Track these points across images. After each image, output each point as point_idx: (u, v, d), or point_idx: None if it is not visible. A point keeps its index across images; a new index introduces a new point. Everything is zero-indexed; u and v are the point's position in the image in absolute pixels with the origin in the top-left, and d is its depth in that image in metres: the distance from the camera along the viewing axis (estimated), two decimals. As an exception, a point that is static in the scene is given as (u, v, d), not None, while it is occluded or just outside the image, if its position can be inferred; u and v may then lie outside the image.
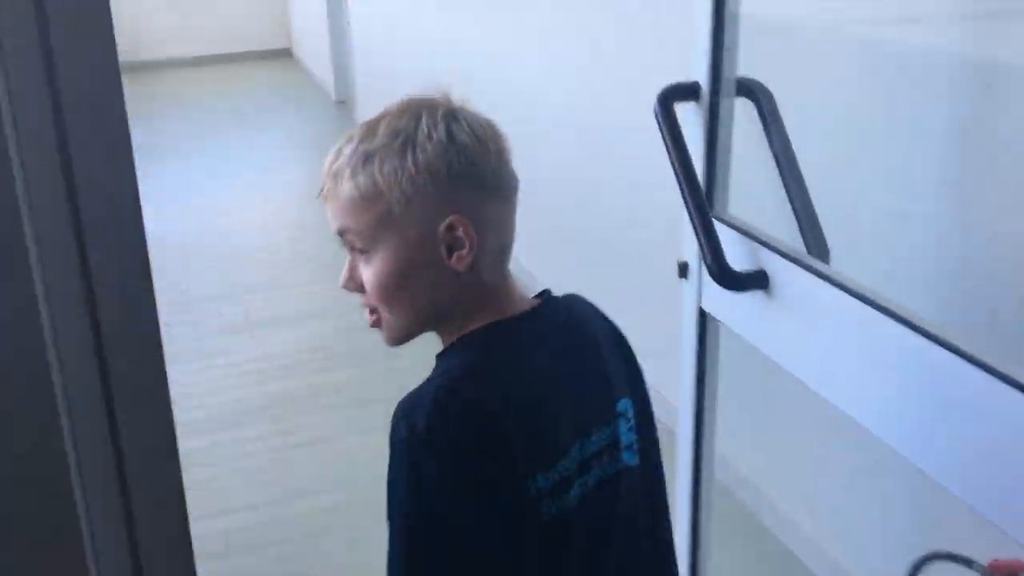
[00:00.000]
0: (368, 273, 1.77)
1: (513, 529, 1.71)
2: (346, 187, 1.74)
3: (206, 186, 9.26)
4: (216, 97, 12.59)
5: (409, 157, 1.71)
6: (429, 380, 1.71)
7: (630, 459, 1.86)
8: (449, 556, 1.70)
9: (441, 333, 1.81)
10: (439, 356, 1.77)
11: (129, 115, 1.04)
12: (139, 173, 1.09)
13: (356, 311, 1.87)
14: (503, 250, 1.80)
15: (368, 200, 1.74)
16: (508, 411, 1.71)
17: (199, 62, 14.65)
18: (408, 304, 1.78)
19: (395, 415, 1.69)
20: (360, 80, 11.11)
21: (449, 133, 1.73)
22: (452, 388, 1.69)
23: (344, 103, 12.06)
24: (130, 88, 10.22)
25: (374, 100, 7.65)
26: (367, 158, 1.74)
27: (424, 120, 1.73)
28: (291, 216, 8.42)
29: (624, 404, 1.87)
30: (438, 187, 1.70)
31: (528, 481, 1.70)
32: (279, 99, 12.43)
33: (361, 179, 1.74)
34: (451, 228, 1.70)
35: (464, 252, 1.73)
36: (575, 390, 1.80)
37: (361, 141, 1.74)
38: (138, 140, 1.13)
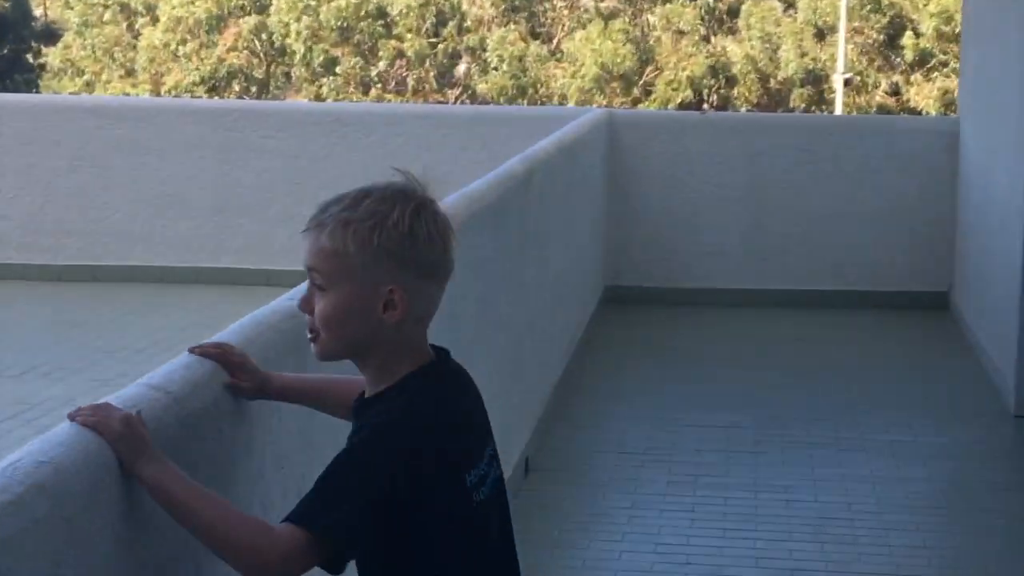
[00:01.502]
0: (320, 304, 2.51)
1: (461, 503, 2.53)
2: (324, 238, 2.50)
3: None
4: (807, 368, 8.88)
5: (375, 236, 2.48)
6: (388, 407, 2.53)
7: (490, 488, 2.66)
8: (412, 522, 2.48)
9: (361, 364, 2.59)
10: (384, 392, 2.54)
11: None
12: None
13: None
14: (425, 317, 2.60)
15: (337, 255, 2.50)
16: (451, 425, 2.56)
17: (789, 300, 10.49)
18: (342, 334, 2.53)
19: (369, 425, 2.52)
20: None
21: (411, 227, 2.52)
22: (419, 402, 2.51)
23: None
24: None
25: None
26: (346, 224, 2.50)
27: (396, 210, 2.51)
28: None
29: (490, 441, 2.73)
30: (390, 263, 2.49)
31: (465, 474, 2.53)
32: (910, 390, 8.41)
33: (337, 238, 2.50)
34: (391, 293, 2.48)
35: (396, 312, 2.50)
36: (475, 420, 2.67)
37: (345, 208, 2.51)
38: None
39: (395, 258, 2.48)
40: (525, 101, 42.31)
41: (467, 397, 2.68)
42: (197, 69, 37.19)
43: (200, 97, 33.39)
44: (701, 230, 10.71)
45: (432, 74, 46.12)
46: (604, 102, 40.20)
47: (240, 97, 35.87)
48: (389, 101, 39.58)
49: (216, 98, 31.43)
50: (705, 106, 44.54)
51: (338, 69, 44.45)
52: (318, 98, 40.90)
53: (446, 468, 2.48)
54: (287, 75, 45.51)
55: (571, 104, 35.81)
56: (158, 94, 34.97)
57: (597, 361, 8.86)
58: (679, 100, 45.41)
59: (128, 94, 34.54)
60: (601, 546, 5.88)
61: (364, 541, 2.45)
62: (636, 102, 43.92)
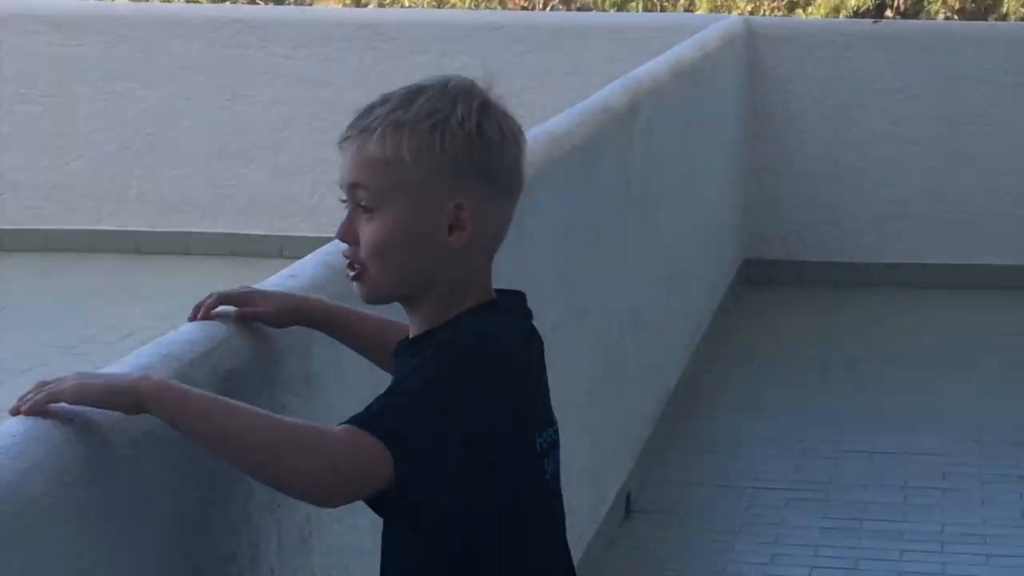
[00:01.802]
0: (368, 230, 2.55)
1: (534, 469, 2.63)
2: (372, 147, 2.55)
3: None
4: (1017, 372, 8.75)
5: (437, 139, 2.54)
6: (447, 337, 2.58)
7: (555, 466, 2.76)
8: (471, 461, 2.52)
9: (414, 305, 2.64)
10: (435, 330, 2.59)
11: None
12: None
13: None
14: (495, 241, 2.69)
15: (389, 165, 2.55)
16: (522, 369, 2.63)
17: (994, 278, 10.31)
18: (397, 266, 2.58)
19: (431, 348, 2.56)
20: None
21: (479, 126, 2.58)
22: (485, 326, 2.59)
23: None
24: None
25: None
26: (398, 126, 2.55)
27: (459, 107, 2.58)
28: None
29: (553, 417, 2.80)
30: (455, 172, 2.55)
31: (535, 433, 2.61)
32: None
33: (388, 144, 2.55)
34: (459, 208, 2.54)
35: (464, 233, 2.57)
36: (539, 377, 2.74)
37: (396, 108, 2.56)
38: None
39: (461, 165, 2.53)
40: (639, 7, 41.53)
41: (531, 349, 2.73)
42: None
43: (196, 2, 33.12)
44: (873, 185, 10.56)
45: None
46: (747, 8, 39.33)
47: (252, 2, 35.50)
48: (452, 7, 39.14)
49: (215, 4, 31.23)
50: (888, 12, 43.81)
51: None
52: (357, 3, 40.32)
53: (520, 416, 2.55)
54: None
55: (700, 12, 35.49)
56: (143, -1, 34.82)
57: (728, 362, 8.79)
58: (854, 5, 44.61)
59: (102, -1, 34.33)
60: None
61: (436, 484, 2.46)
62: (792, 7, 42.94)
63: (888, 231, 10.52)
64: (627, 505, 6.54)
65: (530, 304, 4.89)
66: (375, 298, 2.64)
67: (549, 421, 2.69)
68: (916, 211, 10.51)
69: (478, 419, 2.45)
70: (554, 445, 2.68)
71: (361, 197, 2.56)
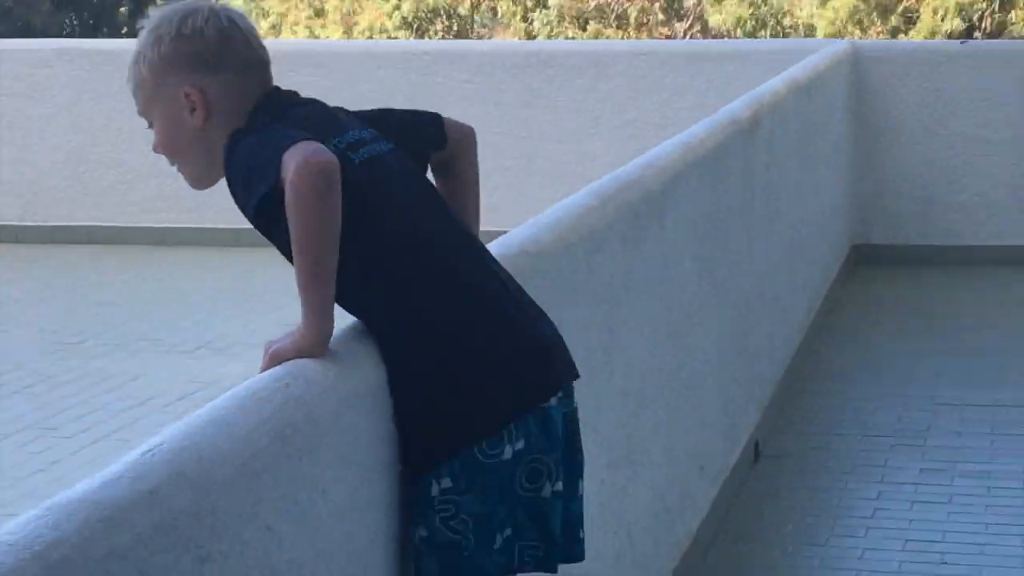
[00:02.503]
0: (155, 139, 2.92)
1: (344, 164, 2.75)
2: (130, 84, 2.95)
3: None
4: None
5: (154, 51, 2.86)
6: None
7: (382, 147, 2.99)
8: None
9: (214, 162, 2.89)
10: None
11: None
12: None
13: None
14: (237, 111, 2.88)
15: (140, 88, 2.92)
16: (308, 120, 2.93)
17: None
18: (183, 156, 2.93)
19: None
20: None
21: (178, 29, 2.87)
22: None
23: None
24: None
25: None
26: (135, 59, 2.90)
27: (167, 22, 2.88)
28: None
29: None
30: (174, 71, 2.85)
31: (325, 141, 2.74)
32: None
33: (132, 74, 2.92)
34: (186, 96, 2.84)
35: (198, 113, 2.86)
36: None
37: (135, 48, 2.92)
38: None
39: (175, 63, 2.85)
40: (767, 34, 41.48)
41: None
42: (397, 8, 37.25)
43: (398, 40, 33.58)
44: (964, 178, 10.30)
45: (658, 4, 45.81)
46: (858, 34, 39.30)
47: (443, 39, 36.12)
48: (607, 38, 39.35)
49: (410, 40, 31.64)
50: (976, 34, 43.36)
51: (551, 2, 44.28)
52: (528, 36, 40.72)
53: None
54: (493, 11, 45.65)
55: (819, 36, 35.28)
56: (350, 37, 35.40)
57: (840, 331, 8.65)
58: (947, 30, 44.23)
59: (317, 37, 35.18)
60: (842, 542, 5.69)
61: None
62: (895, 33, 42.86)
63: (975, 218, 10.26)
64: (756, 451, 6.45)
65: (671, 283, 4.81)
66: (194, 185, 2.97)
67: (343, 129, 2.92)
68: (998, 200, 10.25)
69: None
70: (360, 142, 2.90)
71: (145, 119, 2.96)
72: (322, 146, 2.62)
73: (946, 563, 5.38)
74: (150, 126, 2.93)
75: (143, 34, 2.92)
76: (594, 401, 3.96)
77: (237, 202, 2.75)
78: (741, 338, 6.28)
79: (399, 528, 2.79)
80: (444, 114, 3.28)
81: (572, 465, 2.93)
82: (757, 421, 6.58)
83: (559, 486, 2.79)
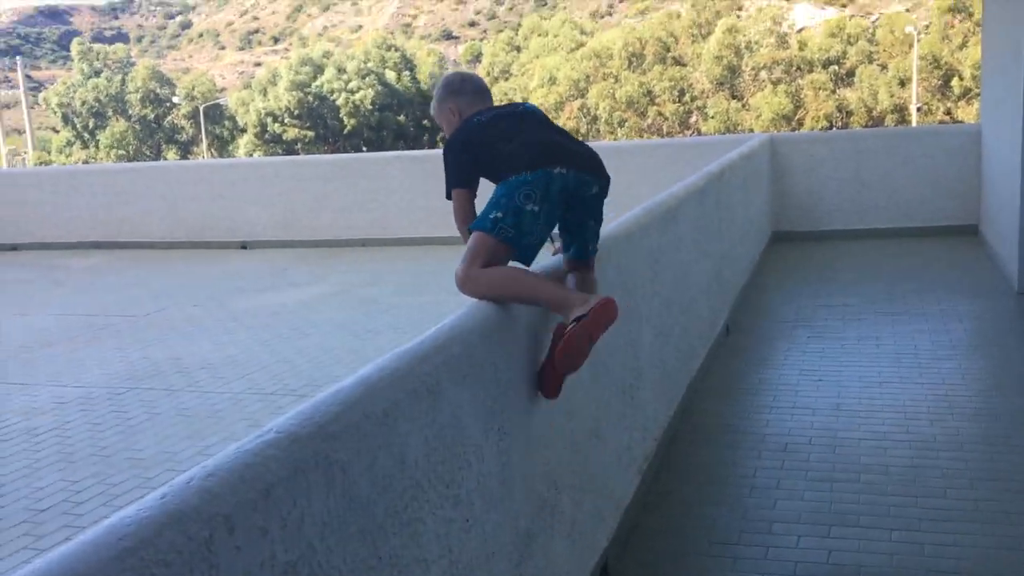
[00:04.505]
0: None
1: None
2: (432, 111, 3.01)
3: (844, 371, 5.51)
4: (889, 271, 8.15)
5: (438, 93, 2.96)
6: None
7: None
8: None
9: None
10: None
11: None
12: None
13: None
14: (470, 111, 2.91)
15: (434, 116, 2.99)
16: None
17: (879, 234, 9.89)
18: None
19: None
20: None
21: (449, 80, 2.98)
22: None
23: (1024, 294, 7.16)
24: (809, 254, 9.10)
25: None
26: (436, 97, 2.97)
27: (443, 79, 3.01)
28: (931, 428, 4.50)
29: None
30: (447, 99, 2.94)
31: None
32: (953, 281, 7.66)
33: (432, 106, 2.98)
34: (450, 111, 2.91)
35: (454, 118, 2.89)
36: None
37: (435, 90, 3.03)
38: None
39: (446, 98, 2.95)
40: (732, 132, 41.94)
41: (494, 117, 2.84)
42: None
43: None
44: (825, 198, 10.04)
45: (676, 122, 46.27)
46: (773, 130, 38.99)
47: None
48: (648, 138, 39.76)
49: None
50: (834, 128, 42.37)
51: (627, 124, 45.44)
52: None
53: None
54: (597, 130, 46.65)
55: (756, 132, 34.66)
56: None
57: (768, 272, 8.44)
58: (819, 127, 43.63)
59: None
60: (766, 372, 5.58)
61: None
62: (794, 130, 42.46)
63: (828, 214, 10.05)
64: (727, 329, 6.34)
65: (682, 250, 4.71)
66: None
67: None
68: (840, 204, 10.04)
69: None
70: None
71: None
72: None
73: (822, 381, 5.32)
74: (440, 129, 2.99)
75: (437, 87, 2.97)
76: (646, 303, 3.97)
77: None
78: (717, 275, 6.14)
79: None
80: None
81: (583, 223, 2.72)
82: (727, 314, 6.46)
83: (536, 208, 2.50)
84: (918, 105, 44.61)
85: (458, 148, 2.74)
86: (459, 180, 2.71)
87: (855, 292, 7.53)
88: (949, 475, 3.98)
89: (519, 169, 2.54)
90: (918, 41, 45.42)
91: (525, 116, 2.79)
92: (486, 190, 2.70)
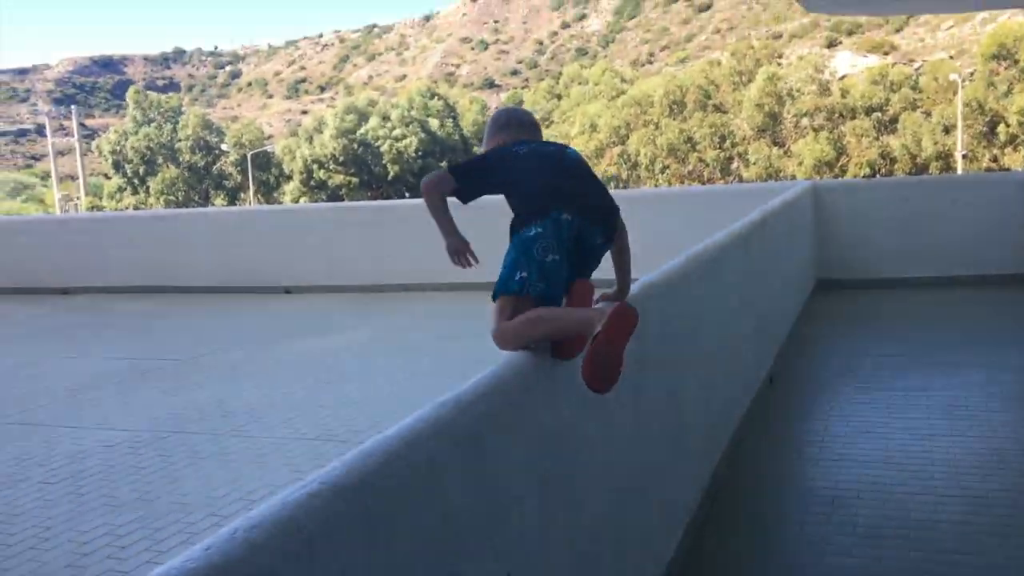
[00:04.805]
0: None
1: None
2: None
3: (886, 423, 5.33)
4: (936, 320, 8.09)
5: (489, 126, 3.10)
6: None
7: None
8: None
9: None
10: None
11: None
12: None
13: None
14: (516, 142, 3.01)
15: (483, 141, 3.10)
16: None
17: (925, 282, 9.65)
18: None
19: None
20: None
21: (502, 114, 3.12)
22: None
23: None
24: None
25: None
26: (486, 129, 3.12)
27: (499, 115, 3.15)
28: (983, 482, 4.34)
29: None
30: (497, 132, 3.06)
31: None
32: (1001, 331, 7.53)
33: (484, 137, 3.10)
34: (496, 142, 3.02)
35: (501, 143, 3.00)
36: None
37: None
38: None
39: (497, 131, 3.08)
40: (774, 180, 41.66)
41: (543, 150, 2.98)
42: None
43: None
44: (871, 246, 9.95)
45: (718, 168, 46.21)
46: (816, 177, 38.74)
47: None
48: (688, 184, 40.02)
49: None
50: (877, 175, 42.01)
51: (669, 171, 45.54)
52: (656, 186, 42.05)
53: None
54: (638, 176, 46.76)
55: (799, 179, 34.47)
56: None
57: (813, 321, 8.30)
58: (862, 174, 43.31)
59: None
60: (811, 423, 5.49)
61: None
62: (836, 177, 42.13)
63: (876, 262, 9.93)
64: (770, 380, 6.24)
65: (726, 299, 4.67)
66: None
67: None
68: (888, 251, 9.92)
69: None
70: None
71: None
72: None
73: (869, 432, 5.19)
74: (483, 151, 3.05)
75: (487, 124, 3.10)
76: (690, 353, 3.95)
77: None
78: (761, 324, 6.08)
79: None
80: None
81: (585, 264, 2.78)
82: (771, 364, 6.39)
83: (556, 256, 2.61)
84: (963, 152, 44.19)
85: (488, 163, 2.92)
86: (463, 176, 2.92)
87: (901, 341, 7.39)
88: (1002, 531, 3.86)
89: (529, 214, 2.70)
90: (962, 88, 45.14)
91: (559, 158, 2.90)
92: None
